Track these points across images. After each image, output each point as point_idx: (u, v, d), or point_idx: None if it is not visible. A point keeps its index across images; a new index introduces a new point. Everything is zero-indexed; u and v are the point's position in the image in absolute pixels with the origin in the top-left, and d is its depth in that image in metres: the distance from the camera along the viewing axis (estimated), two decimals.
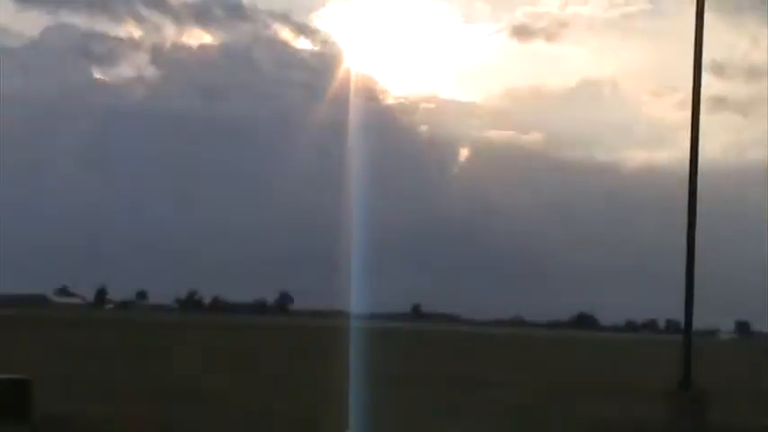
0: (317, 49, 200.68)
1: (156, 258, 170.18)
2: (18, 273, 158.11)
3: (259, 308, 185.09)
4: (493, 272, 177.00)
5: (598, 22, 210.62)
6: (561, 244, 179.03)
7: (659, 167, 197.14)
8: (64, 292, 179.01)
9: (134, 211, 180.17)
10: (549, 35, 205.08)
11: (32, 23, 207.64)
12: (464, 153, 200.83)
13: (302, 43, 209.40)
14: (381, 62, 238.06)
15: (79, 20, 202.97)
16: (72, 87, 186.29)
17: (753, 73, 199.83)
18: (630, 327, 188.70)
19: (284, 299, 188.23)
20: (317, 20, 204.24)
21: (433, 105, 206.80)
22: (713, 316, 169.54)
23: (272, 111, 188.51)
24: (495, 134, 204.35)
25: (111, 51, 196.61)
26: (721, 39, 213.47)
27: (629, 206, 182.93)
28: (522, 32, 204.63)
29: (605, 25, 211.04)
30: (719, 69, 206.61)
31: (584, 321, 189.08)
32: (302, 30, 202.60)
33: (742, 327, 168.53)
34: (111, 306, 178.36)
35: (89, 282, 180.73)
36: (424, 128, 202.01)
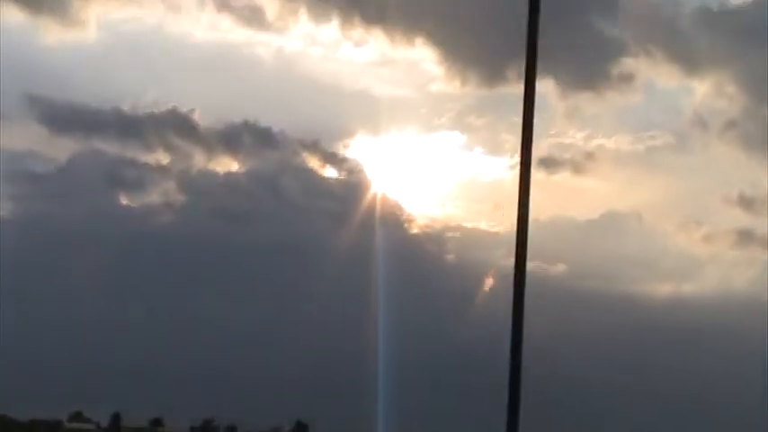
0: (343, 177, 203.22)
1: (174, 384, 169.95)
2: (34, 398, 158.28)
3: None
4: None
5: (623, 155, 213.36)
6: (580, 374, 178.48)
7: (685, 300, 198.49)
8: (78, 417, 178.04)
9: (152, 334, 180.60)
10: (575, 167, 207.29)
11: (64, 150, 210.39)
12: (489, 282, 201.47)
13: (329, 172, 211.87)
14: (407, 191, 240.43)
15: (110, 147, 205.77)
16: (98, 213, 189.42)
17: None
18: None
19: (300, 428, 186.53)
20: (344, 149, 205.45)
21: (458, 234, 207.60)
22: None
23: (298, 237, 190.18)
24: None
25: (139, 178, 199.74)
26: (750, 173, 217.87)
27: (654, 338, 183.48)
28: (547, 164, 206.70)
29: (630, 158, 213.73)
30: (748, 204, 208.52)
31: None
32: (330, 158, 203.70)
33: None
34: None
35: (105, 408, 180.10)
36: (450, 257, 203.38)
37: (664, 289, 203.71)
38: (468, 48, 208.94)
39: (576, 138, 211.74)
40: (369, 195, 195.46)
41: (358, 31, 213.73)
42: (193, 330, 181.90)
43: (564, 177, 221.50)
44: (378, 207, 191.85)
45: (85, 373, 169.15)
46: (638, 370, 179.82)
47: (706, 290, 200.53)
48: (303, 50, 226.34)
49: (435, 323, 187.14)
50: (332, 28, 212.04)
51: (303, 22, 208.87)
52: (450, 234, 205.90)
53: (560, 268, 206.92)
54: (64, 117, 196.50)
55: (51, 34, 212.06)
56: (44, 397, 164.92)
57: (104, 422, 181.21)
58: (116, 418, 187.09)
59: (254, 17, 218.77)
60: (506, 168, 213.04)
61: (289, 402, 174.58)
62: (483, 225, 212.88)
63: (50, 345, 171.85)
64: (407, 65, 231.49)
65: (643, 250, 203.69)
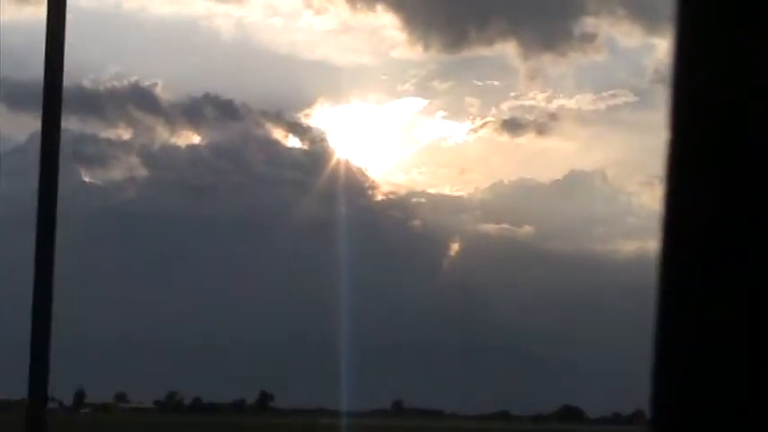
0: (307, 147, 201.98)
1: (136, 359, 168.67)
2: None
3: (239, 407, 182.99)
4: (480, 366, 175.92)
5: (586, 115, 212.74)
6: (549, 336, 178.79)
7: (651, 257, 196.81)
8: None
9: (113, 311, 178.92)
10: (539, 128, 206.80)
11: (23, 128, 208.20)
12: (457, 247, 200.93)
13: (293, 141, 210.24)
14: (371, 159, 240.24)
15: (71, 124, 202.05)
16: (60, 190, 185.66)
17: None
18: (618, 419, 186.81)
19: (264, 397, 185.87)
20: (307, 118, 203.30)
21: (423, 200, 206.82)
22: None
23: (262, 209, 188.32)
24: (488, 228, 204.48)
25: (101, 154, 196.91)
26: None
27: (620, 297, 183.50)
28: (511, 127, 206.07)
29: (594, 117, 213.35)
30: None
31: (569, 414, 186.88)
32: (293, 128, 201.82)
33: None
34: (87, 410, 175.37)
35: (68, 386, 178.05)
36: (416, 222, 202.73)
37: (629, 247, 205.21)
38: (431, 12, 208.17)
39: (538, 99, 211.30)
40: (333, 164, 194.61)
41: (318, 0, 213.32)
42: (157, 304, 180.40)
43: (528, 139, 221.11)
44: (342, 175, 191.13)
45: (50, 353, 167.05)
46: (603, 327, 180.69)
47: None
48: (263, 21, 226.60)
49: (399, 290, 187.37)
50: None
51: None
52: (415, 200, 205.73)
53: (527, 230, 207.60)
54: (22, 95, 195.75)
55: (5, 12, 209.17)
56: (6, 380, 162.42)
57: (68, 401, 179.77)
58: (79, 395, 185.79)
59: None
60: (469, 132, 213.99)
61: (253, 374, 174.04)
62: (447, 190, 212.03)
63: (12, 328, 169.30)
64: (369, 31, 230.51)
65: (608, 209, 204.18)
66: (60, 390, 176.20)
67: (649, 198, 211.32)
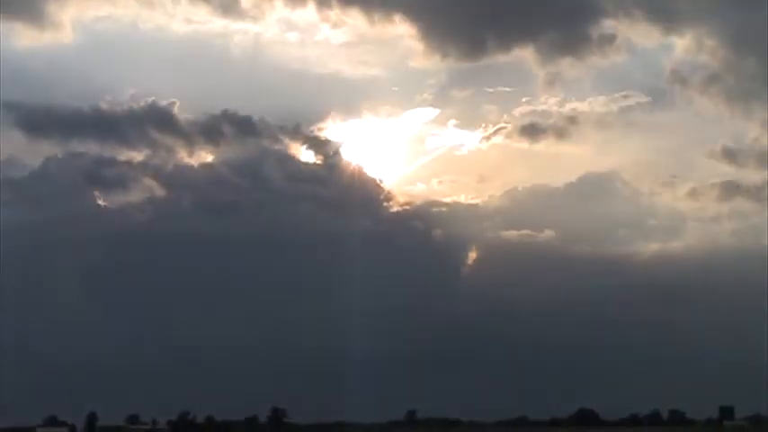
0: (326, 160, 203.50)
1: (149, 381, 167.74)
2: (13, 405, 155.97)
3: (252, 424, 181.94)
4: (499, 373, 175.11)
5: (604, 117, 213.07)
6: (564, 339, 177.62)
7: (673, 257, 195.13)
8: (52, 421, 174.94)
9: (127, 332, 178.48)
10: (558, 133, 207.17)
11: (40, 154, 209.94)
12: (475, 255, 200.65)
13: (311, 156, 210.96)
14: (388, 170, 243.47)
15: (88, 147, 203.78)
16: (79, 214, 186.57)
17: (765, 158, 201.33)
18: (634, 420, 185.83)
19: (277, 413, 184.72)
20: (325, 132, 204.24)
21: (444, 209, 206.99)
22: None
23: (282, 226, 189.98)
24: (509, 234, 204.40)
25: (119, 176, 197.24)
26: (733, 126, 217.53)
27: (640, 297, 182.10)
28: (530, 132, 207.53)
29: (611, 120, 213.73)
30: (733, 156, 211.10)
31: (585, 417, 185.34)
32: (311, 142, 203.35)
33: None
34: None
35: (81, 409, 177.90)
36: (437, 231, 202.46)
37: (651, 248, 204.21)
38: (448, 21, 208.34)
39: (555, 104, 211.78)
40: (349, 176, 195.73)
41: (335, 13, 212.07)
42: (170, 327, 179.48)
43: (547, 145, 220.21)
44: (358, 187, 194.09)
45: (60, 376, 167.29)
46: (629, 329, 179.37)
47: (692, 245, 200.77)
48: (280, 36, 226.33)
49: (419, 298, 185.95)
50: (308, 12, 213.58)
51: (279, 8, 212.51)
52: (435, 209, 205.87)
53: (548, 235, 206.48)
54: (41, 121, 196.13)
55: (25, 38, 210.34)
56: (21, 405, 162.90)
57: (80, 424, 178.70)
58: (92, 417, 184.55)
59: (229, 6, 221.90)
60: (483, 140, 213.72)
61: (265, 392, 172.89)
62: (462, 198, 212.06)
63: (26, 349, 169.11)
64: (386, 43, 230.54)
65: (627, 210, 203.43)
66: (72, 413, 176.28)
67: (669, 197, 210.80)
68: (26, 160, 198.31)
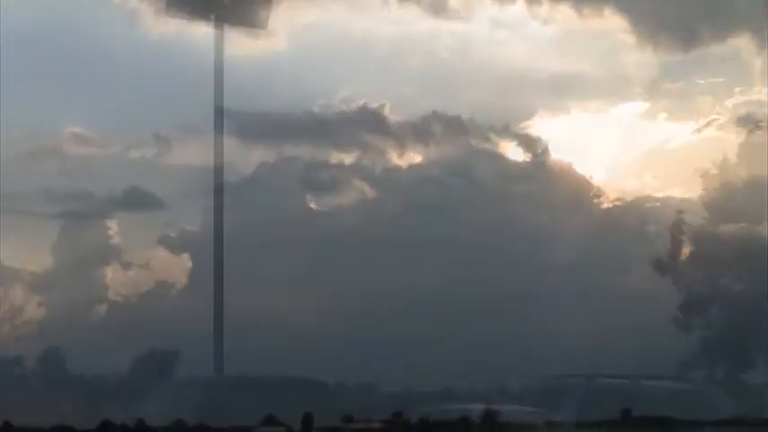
0: (537, 158, 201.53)
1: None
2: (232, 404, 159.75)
3: None
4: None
5: None
6: None
7: None
8: (269, 421, 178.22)
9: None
10: None
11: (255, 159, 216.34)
12: (689, 250, 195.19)
13: (522, 155, 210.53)
14: (596, 166, 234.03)
15: (301, 151, 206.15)
16: (292, 218, 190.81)
17: None
18: None
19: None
20: (530, 129, 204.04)
21: (657, 205, 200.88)
22: None
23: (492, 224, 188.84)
24: (726, 228, 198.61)
25: (332, 179, 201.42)
26: None
27: None
28: (746, 123, 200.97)
29: None
30: None
31: None
32: (521, 141, 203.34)
33: None
34: None
35: (298, 410, 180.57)
36: (650, 228, 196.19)
37: None
38: (660, 12, 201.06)
39: (764, 93, 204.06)
40: (558, 173, 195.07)
41: (544, 9, 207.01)
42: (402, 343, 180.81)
43: (762, 135, 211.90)
44: (567, 185, 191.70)
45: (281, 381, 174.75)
46: None
47: None
48: (489, 34, 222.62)
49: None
50: (517, 8, 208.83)
51: (487, 6, 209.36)
52: (646, 205, 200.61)
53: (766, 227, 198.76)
54: (256, 126, 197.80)
55: (244, 46, 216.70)
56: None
57: (296, 425, 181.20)
58: (308, 418, 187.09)
59: (438, 6, 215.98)
60: (695, 132, 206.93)
61: None
62: (676, 193, 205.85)
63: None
64: (596, 37, 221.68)
65: None
66: (287, 414, 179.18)
67: None
68: (240, 166, 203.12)
